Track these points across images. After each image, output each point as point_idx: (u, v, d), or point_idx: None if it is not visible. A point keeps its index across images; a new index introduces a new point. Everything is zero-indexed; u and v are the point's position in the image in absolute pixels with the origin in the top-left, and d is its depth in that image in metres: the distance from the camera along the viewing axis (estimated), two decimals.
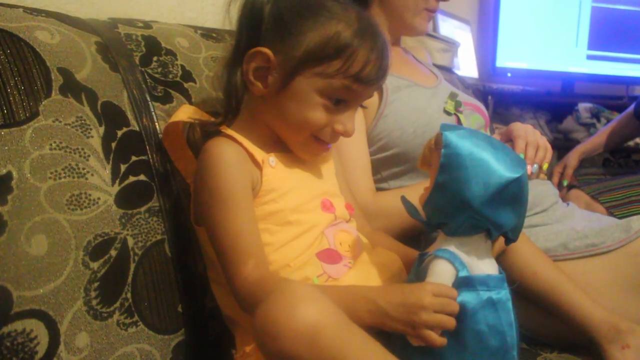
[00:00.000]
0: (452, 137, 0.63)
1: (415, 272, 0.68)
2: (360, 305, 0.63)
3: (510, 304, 0.65)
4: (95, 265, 0.68)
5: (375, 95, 1.01)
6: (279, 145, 0.77)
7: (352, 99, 0.73)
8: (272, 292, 0.56)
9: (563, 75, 2.61)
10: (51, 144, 0.68)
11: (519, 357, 0.66)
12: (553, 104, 2.59)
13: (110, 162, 0.73)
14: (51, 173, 0.67)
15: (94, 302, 0.68)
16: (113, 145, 0.74)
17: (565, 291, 0.88)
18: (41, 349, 0.62)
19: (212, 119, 0.78)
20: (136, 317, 0.72)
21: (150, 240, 0.76)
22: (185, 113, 0.79)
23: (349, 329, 0.56)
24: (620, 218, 1.08)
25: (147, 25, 0.92)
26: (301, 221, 0.73)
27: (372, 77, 0.71)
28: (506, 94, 2.38)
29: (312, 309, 0.54)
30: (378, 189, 1.01)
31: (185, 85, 0.88)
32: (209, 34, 0.98)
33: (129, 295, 0.72)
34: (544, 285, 0.89)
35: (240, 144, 0.72)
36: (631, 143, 2.19)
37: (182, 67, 0.89)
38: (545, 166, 1.00)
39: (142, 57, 0.85)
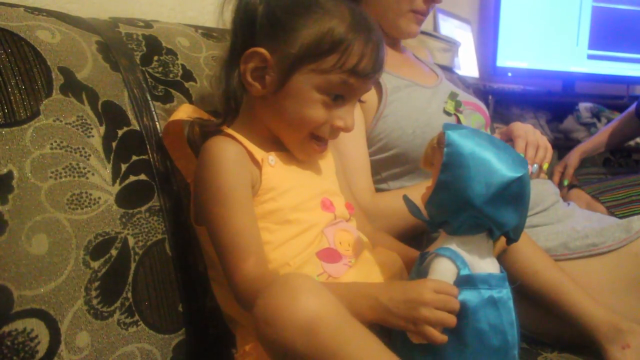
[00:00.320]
0: (455, 136, 0.63)
1: (417, 270, 0.68)
2: (362, 301, 0.63)
3: (511, 303, 0.65)
4: (95, 264, 0.68)
5: (375, 96, 1.01)
6: (278, 144, 0.77)
7: (350, 94, 0.73)
8: (274, 283, 0.57)
9: (564, 74, 2.61)
10: (52, 144, 0.68)
11: (520, 356, 0.66)
12: (554, 103, 2.59)
13: (111, 162, 0.73)
14: (52, 172, 0.67)
15: (94, 302, 0.68)
16: (114, 144, 0.74)
17: (566, 290, 0.88)
18: (42, 348, 0.62)
19: (212, 118, 0.78)
20: (137, 317, 0.72)
21: (151, 239, 0.76)
22: (185, 112, 0.79)
23: (349, 323, 0.56)
24: (620, 218, 1.08)
25: (147, 24, 0.92)
26: (301, 220, 0.73)
27: (369, 70, 0.71)
28: (507, 93, 2.38)
29: (312, 301, 0.54)
30: (378, 190, 1.01)
31: (186, 84, 0.88)
32: (209, 33, 0.98)
33: (129, 294, 0.72)
34: (544, 284, 0.89)
35: (240, 143, 0.72)
36: (632, 143, 2.19)
37: (183, 66, 0.89)
38: (545, 166, 1.00)
39: (143, 56, 0.85)
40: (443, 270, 0.63)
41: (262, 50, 0.71)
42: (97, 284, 0.68)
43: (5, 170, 0.63)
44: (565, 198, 1.35)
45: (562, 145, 2.22)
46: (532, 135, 1.01)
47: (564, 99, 2.59)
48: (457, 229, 0.65)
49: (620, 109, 2.07)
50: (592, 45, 2.55)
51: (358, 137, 0.98)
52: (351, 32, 0.70)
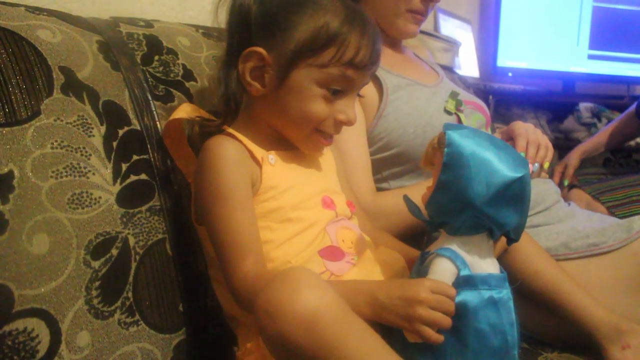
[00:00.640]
0: (455, 136, 0.63)
1: (417, 270, 0.68)
2: (360, 297, 0.63)
3: (511, 303, 0.65)
4: (96, 264, 0.69)
5: (376, 95, 1.01)
6: (278, 143, 0.77)
7: (349, 87, 0.73)
8: (276, 277, 0.57)
9: (564, 75, 2.60)
10: (52, 143, 0.68)
11: (520, 356, 0.66)
12: (554, 103, 2.59)
13: (112, 161, 0.73)
14: (52, 172, 0.67)
15: (95, 301, 0.68)
16: (114, 144, 0.74)
17: (566, 290, 0.88)
18: (42, 348, 0.62)
19: (212, 118, 0.78)
20: (137, 316, 0.72)
21: (152, 239, 0.76)
22: (184, 111, 0.79)
23: (349, 317, 0.56)
24: (621, 218, 1.08)
25: (148, 24, 0.92)
26: (302, 218, 0.73)
27: (367, 62, 0.72)
28: (507, 93, 2.38)
29: (314, 295, 0.55)
30: (379, 189, 1.01)
31: (187, 84, 0.88)
32: (210, 33, 0.98)
33: (130, 294, 0.72)
34: (545, 283, 0.89)
35: (240, 142, 0.73)
36: (632, 143, 2.18)
37: (184, 66, 0.89)
38: (546, 165, 1.00)
39: (144, 56, 0.85)
40: (442, 271, 0.63)
41: (259, 49, 0.71)
42: (97, 283, 0.68)
43: (6, 170, 0.63)
44: (565, 198, 1.35)
45: (563, 145, 2.21)
46: (533, 134, 1.01)
47: (564, 99, 2.59)
48: (457, 229, 0.65)
49: (621, 109, 2.07)
50: (592, 45, 2.55)
51: (359, 136, 0.98)
52: (346, 25, 0.70)
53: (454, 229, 0.65)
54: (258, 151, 0.73)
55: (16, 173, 0.63)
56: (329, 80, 0.71)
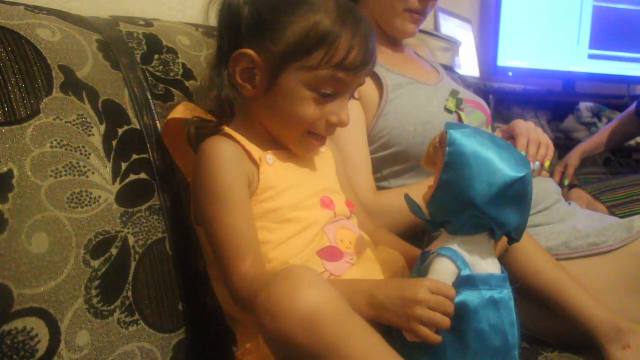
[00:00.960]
0: (457, 135, 0.63)
1: (418, 270, 0.68)
2: (359, 297, 0.63)
3: (512, 304, 0.65)
4: (96, 263, 0.68)
5: (376, 94, 1.01)
6: (276, 143, 0.77)
7: (341, 89, 0.72)
8: (277, 276, 0.57)
9: (564, 74, 2.60)
10: (52, 142, 0.67)
11: (521, 356, 0.66)
12: (554, 103, 2.59)
13: (111, 161, 0.73)
14: (52, 171, 0.67)
15: (94, 301, 0.67)
16: (114, 143, 0.74)
17: (567, 290, 0.88)
18: (42, 348, 0.61)
19: (211, 117, 0.77)
20: (137, 316, 0.72)
21: (151, 238, 0.75)
22: (183, 110, 0.78)
23: (350, 316, 0.56)
24: (621, 217, 1.08)
25: (148, 23, 0.91)
26: (300, 218, 0.73)
27: (358, 64, 0.70)
28: (507, 93, 2.38)
29: (314, 293, 0.55)
30: (379, 188, 1.01)
31: (187, 83, 0.87)
32: (210, 32, 0.98)
33: (129, 293, 0.72)
34: (545, 283, 0.89)
35: (238, 142, 0.72)
36: (632, 142, 2.18)
37: (184, 65, 0.89)
38: (547, 164, 1.00)
39: (144, 55, 0.85)
40: (443, 271, 0.63)
41: (249, 51, 0.71)
42: (97, 283, 0.68)
43: (5, 169, 0.63)
44: (566, 198, 1.35)
45: (563, 145, 2.21)
46: (533, 133, 1.01)
47: (564, 99, 2.59)
48: (458, 228, 0.65)
49: (621, 108, 2.07)
50: (593, 45, 2.55)
51: (359, 135, 0.98)
52: (337, 25, 0.69)
53: (455, 229, 0.65)
54: (256, 151, 0.73)
55: (15, 172, 0.63)
56: (320, 83, 0.70)
